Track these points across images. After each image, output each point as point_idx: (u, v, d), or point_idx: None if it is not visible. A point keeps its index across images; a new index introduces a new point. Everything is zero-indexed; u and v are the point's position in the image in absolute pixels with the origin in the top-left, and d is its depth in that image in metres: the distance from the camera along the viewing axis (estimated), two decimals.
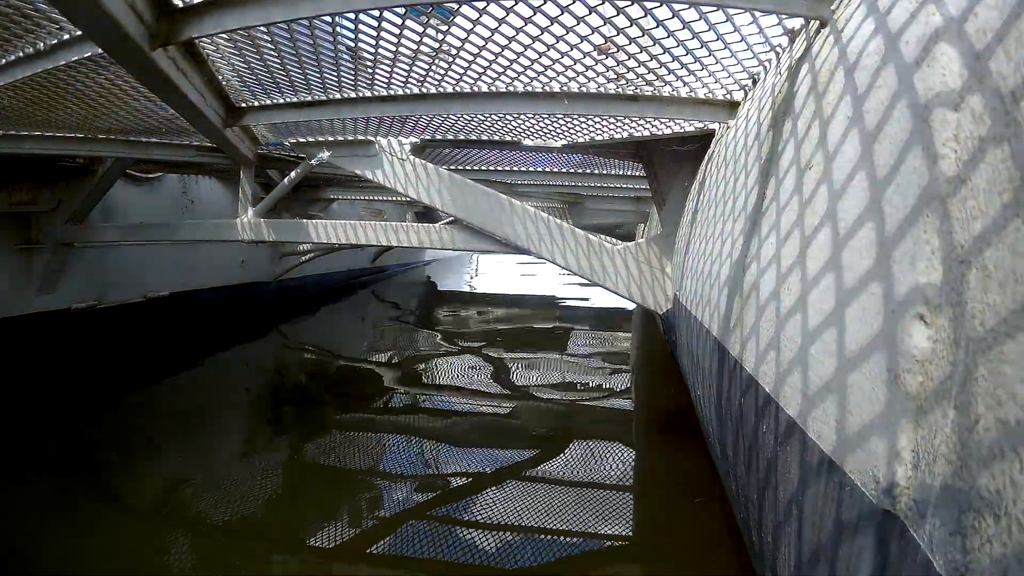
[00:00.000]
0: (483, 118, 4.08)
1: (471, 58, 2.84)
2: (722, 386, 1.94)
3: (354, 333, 9.02)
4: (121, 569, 2.62)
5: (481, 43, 2.63)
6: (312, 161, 5.05)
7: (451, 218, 4.93)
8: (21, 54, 2.77)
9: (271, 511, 3.27)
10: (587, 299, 11.91)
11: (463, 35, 2.56)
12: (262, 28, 2.49)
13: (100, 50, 2.44)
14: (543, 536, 2.95)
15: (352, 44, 2.73)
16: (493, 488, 3.49)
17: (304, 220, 5.52)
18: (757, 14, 2.10)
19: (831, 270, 1.14)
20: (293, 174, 5.47)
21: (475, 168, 6.95)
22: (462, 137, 4.78)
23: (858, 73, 1.20)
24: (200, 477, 3.72)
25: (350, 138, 4.71)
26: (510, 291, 13.33)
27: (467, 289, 14.75)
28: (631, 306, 10.89)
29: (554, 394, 5.49)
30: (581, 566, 2.77)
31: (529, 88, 3.23)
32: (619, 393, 5.73)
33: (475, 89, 3.31)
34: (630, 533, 3.06)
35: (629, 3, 2.19)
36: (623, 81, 3.08)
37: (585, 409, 5.11)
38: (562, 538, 2.95)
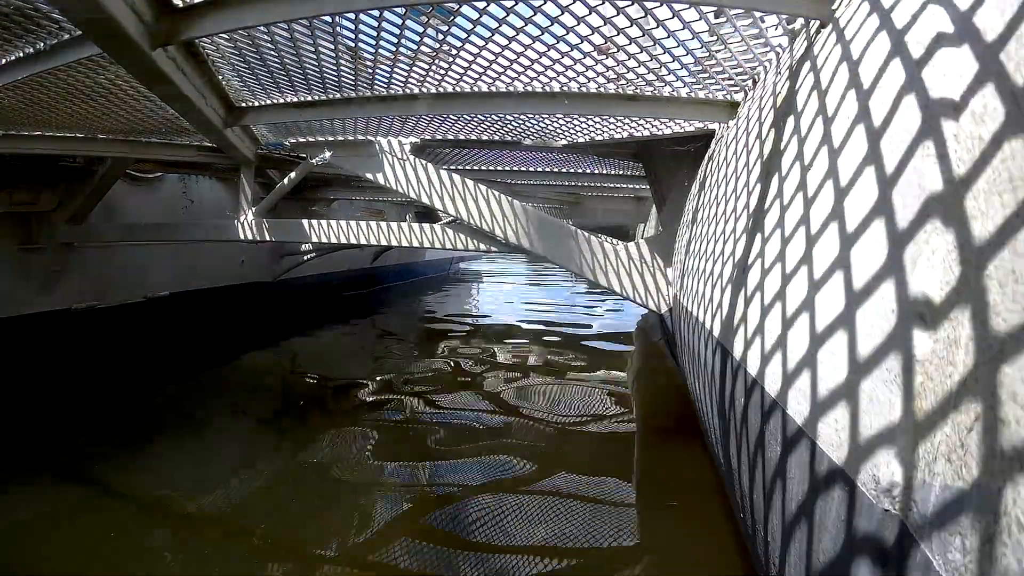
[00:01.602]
0: (483, 118, 4.08)
1: (471, 58, 2.84)
2: (724, 388, 1.94)
3: None
4: None
5: (481, 43, 2.63)
6: (312, 161, 5.05)
7: (451, 218, 4.93)
8: (21, 54, 2.77)
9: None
10: None
11: (463, 35, 2.56)
12: (262, 28, 2.49)
13: (100, 50, 2.44)
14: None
15: (352, 44, 2.74)
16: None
17: (304, 220, 5.53)
18: (757, 14, 2.10)
19: (835, 272, 1.14)
20: (293, 174, 5.47)
21: (475, 168, 6.95)
22: (462, 137, 4.79)
23: (861, 73, 1.20)
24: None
25: (350, 138, 4.72)
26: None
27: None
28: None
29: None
30: None
31: (529, 88, 3.23)
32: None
33: (475, 89, 3.31)
34: None
35: (629, 3, 2.19)
36: (623, 81, 3.08)
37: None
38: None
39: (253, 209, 5.39)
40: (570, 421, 5.02)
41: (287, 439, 4.58)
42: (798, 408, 1.19)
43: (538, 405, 5.40)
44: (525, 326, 9.87)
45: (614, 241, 4.53)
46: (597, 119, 3.81)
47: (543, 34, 2.47)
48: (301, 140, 4.87)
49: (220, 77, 3.31)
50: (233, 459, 4.13)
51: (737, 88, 2.92)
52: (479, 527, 3.13)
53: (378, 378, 6.29)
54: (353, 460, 4.07)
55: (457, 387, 5.93)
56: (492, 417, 5.03)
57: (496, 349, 7.87)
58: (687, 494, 3.52)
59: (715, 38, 2.36)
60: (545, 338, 8.88)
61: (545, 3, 2.23)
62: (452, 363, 7.03)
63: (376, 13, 2.36)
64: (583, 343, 8.48)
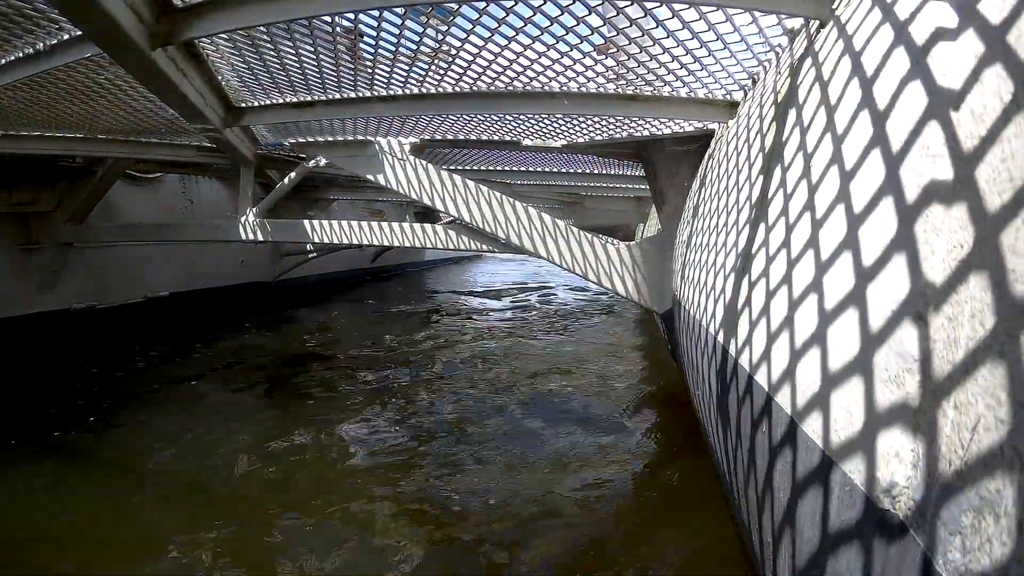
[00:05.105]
0: (483, 118, 4.08)
1: (471, 58, 2.84)
2: (722, 385, 1.95)
3: None
4: None
5: (481, 43, 2.63)
6: (309, 163, 5.05)
7: (451, 218, 4.93)
8: (21, 54, 2.77)
9: None
10: None
11: (463, 35, 2.56)
12: (262, 28, 2.48)
13: (100, 50, 2.44)
14: None
15: (352, 44, 2.74)
16: None
17: (304, 220, 5.53)
18: (757, 14, 2.10)
19: (835, 270, 1.14)
20: (293, 174, 5.48)
21: (475, 168, 6.95)
22: (462, 137, 4.79)
23: (861, 72, 1.20)
24: None
25: (350, 138, 4.71)
26: None
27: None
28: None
29: None
30: None
31: (529, 88, 3.23)
32: None
33: (475, 89, 3.31)
34: None
35: (629, 3, 2.19)
36: (623, 81, 3.08)
37: None
38: None
39: (253, 209, 5.39)
40: None
41: None
42: (797, 407, 1.19)
43: None
44: None
45: (614, 241, 4.53)
46: (597, 119, 3.81)
47: (543, 34, 2.47)
48: (301, 140, 4.87)
49: (220, 77, 3.31)
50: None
51: (737, 88, 2.92)
52: None
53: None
54: None
55: None
56: None
57: None
58: None
59: (715, 38, 2.36)
60: None
61: (545, 3, 2.23)
62: None
63: (376, 13, 2.35)
64: None
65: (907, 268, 0.88)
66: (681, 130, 3.81)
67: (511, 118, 4.04)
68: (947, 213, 0.82)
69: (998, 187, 0.72)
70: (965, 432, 0.71)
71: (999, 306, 0.69)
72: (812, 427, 1.10)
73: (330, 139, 4.76)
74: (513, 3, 2.24)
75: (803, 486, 1.12)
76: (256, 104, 3.81)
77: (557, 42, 2.55)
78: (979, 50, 0.82)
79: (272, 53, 2.87)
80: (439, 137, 4.75)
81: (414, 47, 2.73)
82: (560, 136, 4.49)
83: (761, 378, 1.45)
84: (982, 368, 0.70)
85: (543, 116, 3.84)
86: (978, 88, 0.80)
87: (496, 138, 4.76)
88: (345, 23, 2.50)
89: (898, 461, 0.83)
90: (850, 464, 0.94)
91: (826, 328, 1.12)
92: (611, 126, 4.01)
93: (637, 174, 6.78)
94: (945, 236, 0.81)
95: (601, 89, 3.19)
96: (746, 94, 2.82)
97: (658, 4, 2.14)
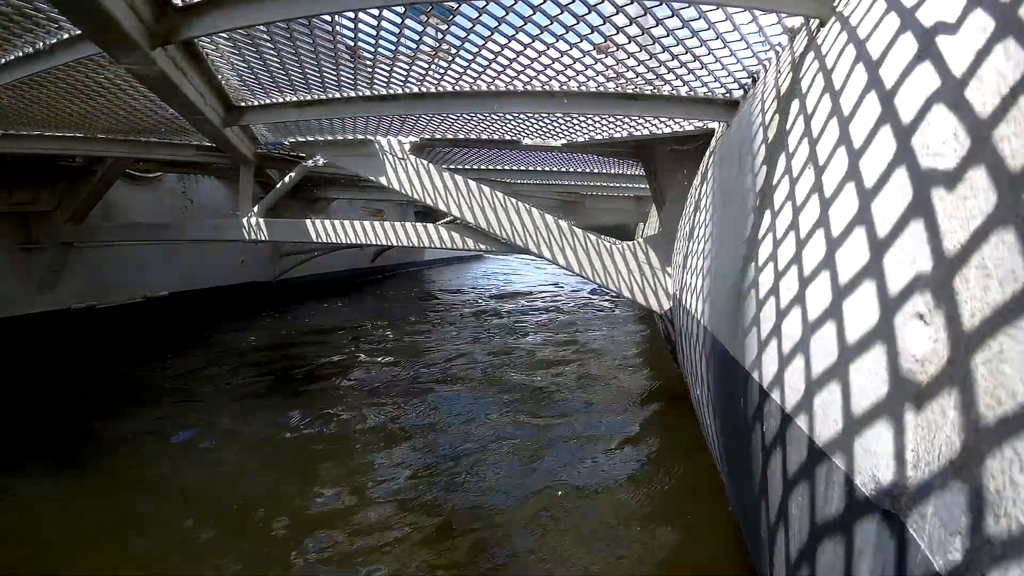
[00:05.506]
0: (483, 117, 4.08)
1: (471, 57, 2.84)
2: (720, 382, 1.94)
3: None
4: None
5: (481, 42, 2.63)
6: (308, 163, 5.04)
7: (451, 218, 4.93)
8: (21, 54, 2.77)
9: None
10: None
11: (463, 34, 2.56)
12: (261, 27, 2.48)
13: (99, 49, 2.43)
14: None
15: (352, 43, 2.73)
16: None
17: (304, 220, 5.53)
18: (757, 13, 2.09)
19: (826, 269, 1.14)
20: (293, 173, 5.47)
21: (475, 168, 6.95)
22: (462, 136, 4.78)
23: (862, 69, 1.20)
24: None
25: (350, 138, 4.71)
26: None
27: None
28: None
29: None
30: None
31: (529, 87, 3.23)
32: None
33: (475, 88, 3.31)
34: None
35: (629, 2, 2.18)
36: (622, 80, 3.07)
37: None
38: None
39: (253, 209, 5.39)
40: None
41: None
42: (796, 405, 1.19)
43: None
44: None
45: (614, 241, 4.53)
46: (597, 119, 3.80)
47: (542, 33, 2.47)
48: (301, 139, 4.87)
49: (220, 76, 3.30)
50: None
51: (737, 87, 2.92)
52: None
53: None
54: None
55: None
56: None
57: None
58: None
59: (715, 37, 2.35)
60: None
61: (544, 2, 2.22)
62: None
63: (376, 12, 2.35)
64: None
65: (908, 267, 0.87)
66: (681, 129, 3.81)
67: (511, 117, 4.04)
68: (948, 211, 0.81)
69: (998, 187, 0.72)
70: (965, 432, 0.70)
71: (998, 306, 0.69)
72: (811, 425, 1.10)
73: (330, 138, 4.76)
74: (513, 2, 2.24)
75: (802, 484, 1.12)
76: (256, 103, 3.81)
77: (557, 41, 2.55)
78: (983, 38, 0.81)
79: (272, 52, 2.87)
80: (439, 136, 4.74)
81: (414, 46, 2.73)
82: (560, 135, 4.48)
83: (759, 375, 1.45)
84: (982, 368, 0.69)
85: (543, 115, 3.83)
86: (978, 86, 0.80)
87: (496, 137, 4.76)
88: (345, 22, 2.49)
89: (898, 460, 0.82)
90: (850, 463, 0.94)
91: (825, 326, 1.12)
92: (611, 125, 4.01)
93: (637, 173, 6.78)
94: (946, 235, 0.81)
95: (601, 88, 3.18)
96: (746, 93, 2.82)
97: (658, 3, 2.14)
